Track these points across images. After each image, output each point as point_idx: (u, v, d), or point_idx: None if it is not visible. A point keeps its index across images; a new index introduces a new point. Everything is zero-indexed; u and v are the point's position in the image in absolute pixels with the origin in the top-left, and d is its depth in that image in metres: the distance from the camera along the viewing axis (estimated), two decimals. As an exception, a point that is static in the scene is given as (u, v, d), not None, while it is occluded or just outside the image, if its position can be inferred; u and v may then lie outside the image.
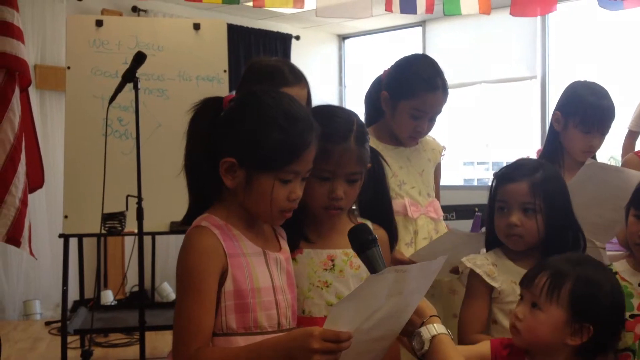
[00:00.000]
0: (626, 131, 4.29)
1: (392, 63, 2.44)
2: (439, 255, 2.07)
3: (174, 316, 1.47)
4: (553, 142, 2.55)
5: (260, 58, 2.33)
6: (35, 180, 3.70)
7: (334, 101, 7.20)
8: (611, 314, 1.57)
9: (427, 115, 2.33)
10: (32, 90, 4.41)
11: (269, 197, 1.48)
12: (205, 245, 1.47)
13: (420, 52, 7.38)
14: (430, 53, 7.37)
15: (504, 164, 2.12)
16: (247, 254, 1.51)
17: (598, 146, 2.48)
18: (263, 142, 1.46)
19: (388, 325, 1.40)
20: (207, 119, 1.54)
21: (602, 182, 2.19)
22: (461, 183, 7.39)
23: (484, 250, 2.06)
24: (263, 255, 1.55)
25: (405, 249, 2.31)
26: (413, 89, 2.29)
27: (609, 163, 2.39)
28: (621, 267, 1.95)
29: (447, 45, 7.33)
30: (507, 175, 1.96)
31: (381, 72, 2.47)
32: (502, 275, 1.94)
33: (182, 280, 1.47)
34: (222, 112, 1.53)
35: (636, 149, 4.01)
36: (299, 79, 2.26)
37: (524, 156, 2.24)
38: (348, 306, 1.27)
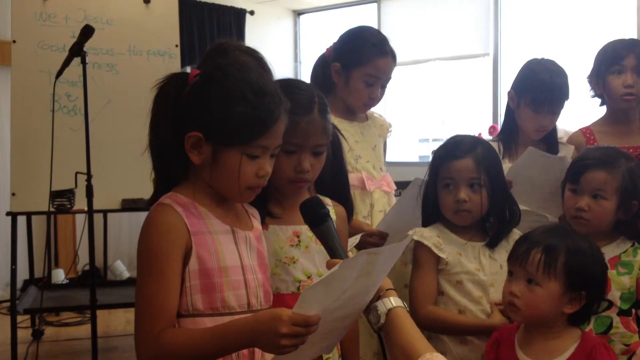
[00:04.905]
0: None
1: (337, 38, 2.50)
2: (407, 215, 2.13)
3: (136, 297, 1.42)
4: (509, 120, 2.57)
5: (231, 43, 2.26)
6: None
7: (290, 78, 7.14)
8: (601, 278, 1.67)
9: (379, 81, 2.41)
10: (-24, 64, 4.28)
11: (236, 173, 1.45)
12: (166, 223, 1.42)
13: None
14: (385, 29, 7.36)
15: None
16: (213, 232, 1.47)
17: (550, 125, 2.49)
18: (230, 116, 1.43)
19: (353, 304, 1.40)
20: (171, 96, 1.49)
21: (545, 169, 2.22)
22: (417, 160, 7.43)
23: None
24: (231, 233, 1.51)
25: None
26: (365, 56, 2.38)
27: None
28: None
29: (402, 21, 7.34)
30: (450, 152, 2.00)
31: (324, 50, 2.52)
32: (448, 247, 1.98)
33: (143, 260, 1.42)
34: (186, 88, 1.49)
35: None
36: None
37: (476, 133, 2.26)
38: (319, 290, 1.25)
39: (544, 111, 2.43)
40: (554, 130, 2.53)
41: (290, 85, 1.73)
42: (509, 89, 2.57)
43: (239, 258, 1.50)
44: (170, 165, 1.51)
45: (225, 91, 1.44)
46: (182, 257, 1.43)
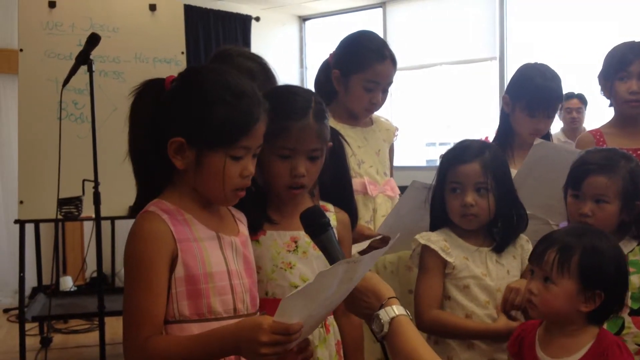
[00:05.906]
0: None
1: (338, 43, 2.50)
2: (407, 218, 2.14)
3: (123, 305, 1.43)
4: (504, 124, 2.59)
5: (234, 49, 2.25)
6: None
7: (295, 83, 7.13)
8: (617, 278, 1.66)
9: (379, 86, 2.40)
10: (-17, 73, 4.30)
11: (221, 175, 1.46)
12: (152, 231, 1.43)
13: (381, 33, 7.37)
14: (391, 34, 7.37)
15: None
16: (198, 238, 1.48)
17: (545, 129, 2.51)
18: (211, 119, 1.44)
19: (334, 303, 1.43)
20: (149, 102, 1.51)
21: (555, 162, 2.21)
22: (423, 164, 7.43)
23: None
24: (217, 239, 1.51)
25: (365, 227, 2.32)
26: (363, 62, 2.37)
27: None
28: None
29: (408, 26, 7.34)
30: (458, 156, 2.00)
31: (327, 56, 2.52)
32: (455, 252, 1.98)
33: (129, 268, 1.44)
34: (164, 94, 1.50)
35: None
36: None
37: (483, 137, 2.27)
38: (298, 299, 1.25)
39: (539, 115, 2.46)
40: (548, 134, 2.56)
41: (287, 91, 1.76)
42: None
43: (225, 263, 1.51)
44: (152, 172, 1.52)
45: (204, 95, 1.46)
46: (169, 265, 1.43)
